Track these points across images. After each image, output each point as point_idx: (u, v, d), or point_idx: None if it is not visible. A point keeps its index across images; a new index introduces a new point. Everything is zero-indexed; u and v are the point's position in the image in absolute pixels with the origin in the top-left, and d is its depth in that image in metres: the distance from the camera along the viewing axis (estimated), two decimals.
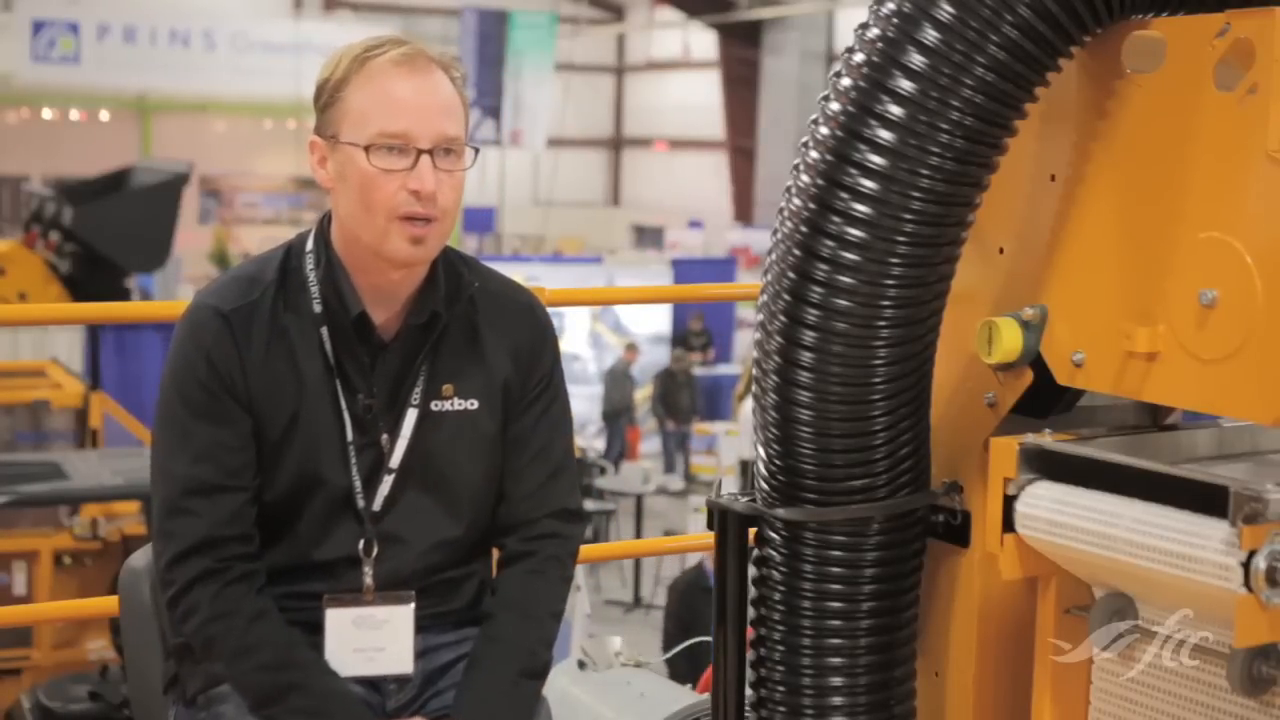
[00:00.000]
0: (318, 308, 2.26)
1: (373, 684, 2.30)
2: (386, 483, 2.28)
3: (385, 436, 2.28)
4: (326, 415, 2.25)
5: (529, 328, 2.39)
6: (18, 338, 12.20)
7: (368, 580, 2.27)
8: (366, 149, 2.18)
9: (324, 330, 2.26)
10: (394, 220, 2.19)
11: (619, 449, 17.11)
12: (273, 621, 2.22)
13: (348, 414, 2.26)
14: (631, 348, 18.60)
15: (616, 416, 17.58)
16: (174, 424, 2.24)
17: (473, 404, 2.32)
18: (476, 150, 2.28)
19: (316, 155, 2.26)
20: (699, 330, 20.13)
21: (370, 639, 2.25)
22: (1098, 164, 2.07)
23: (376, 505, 2.28)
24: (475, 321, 2.34)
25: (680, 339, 19.76)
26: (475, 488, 2.34)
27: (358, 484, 2.26)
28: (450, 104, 2.24)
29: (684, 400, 17.64)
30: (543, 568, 2.36)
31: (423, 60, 2.22)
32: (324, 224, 2.32)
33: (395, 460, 2.28)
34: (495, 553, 2.46)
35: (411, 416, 2.28)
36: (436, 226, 2.22)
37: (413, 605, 2.27)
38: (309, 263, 2.29)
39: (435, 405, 2.30)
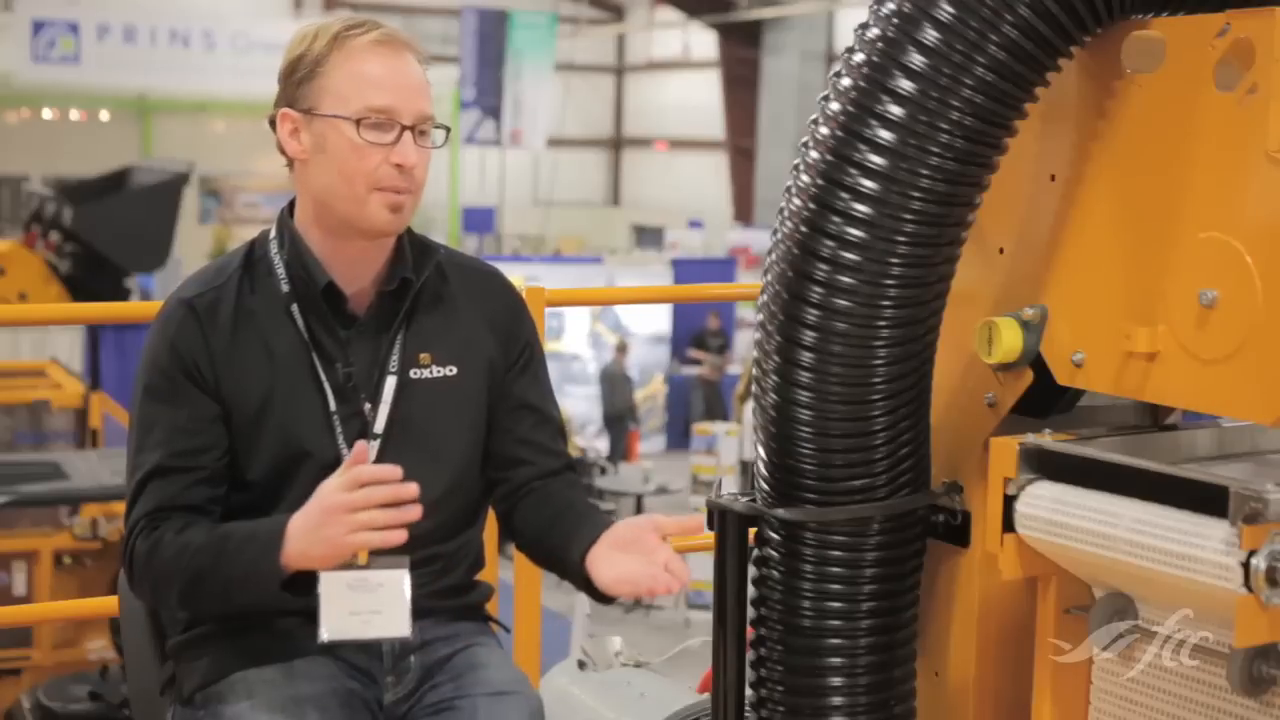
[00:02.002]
0: (285, 287, 2.31)
1: (370, 675, 2.30)
2: (372, 449, 2.30)
3: (368, 405, 2.31)
4: (306, 389, 2.29)
5: (501, 296, 2.46)
6: (18, 338, 12.21)
7: None
8: (357, 122, 2.23)
9: (294, 307, 2.30)
10: (373, 190, 2.25)
11: (622, 453, 16.85)
12: (200, 524, 2.23)
13: (328, 385, 2.29)
14: (622, 347, 18.23)
15: (619, 420, 17.24)
16: (138, 417, 2.30)
17: (451, 370, 2.36)
18: (448, 130, 2.35)
19: (288, 127, 2.30)
20: (716, 330, 19.68)
21: (366, 602, 2.25)
22: (1098, 164, 2.07)
23: None
24: (447, 291, 2.40)
25: (697, 340, 19.42)
26: (460, 453, 2.37)
27: (345, 451, 2.28)
28: (425, 84, 2.32)
29: (720, 408, 17.31)
30: (576, 486, 2.44)
31: (399, 41, 2.30)
32: (286, 211, 2.37)
33: (379, 427, 2.31)
34: (488, 530, 2.50)
35: (391, 384, 2.32)
36: (410, 198, 2.29)
37: (407, 570, 2.28)
38: (273, 248, 2.34)
39: (414, 373, 2.34)
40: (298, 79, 2.28)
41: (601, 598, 2.19)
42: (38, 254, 9.50)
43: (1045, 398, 2.19)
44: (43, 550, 7.12)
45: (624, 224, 31.65)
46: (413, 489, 2.12)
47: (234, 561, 2.18)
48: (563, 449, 2.46)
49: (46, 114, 25.35)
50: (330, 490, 2.13)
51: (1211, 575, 1.80)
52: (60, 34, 21.46)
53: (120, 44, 21.85)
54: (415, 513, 2.11)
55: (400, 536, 2.11)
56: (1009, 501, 2.05)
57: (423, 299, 2.36)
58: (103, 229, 9.38)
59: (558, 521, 2.34)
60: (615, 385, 17.46)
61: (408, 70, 2.28)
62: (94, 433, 8.48)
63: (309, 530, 2.13)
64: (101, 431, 8.50)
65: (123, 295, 9.54)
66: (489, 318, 2.41)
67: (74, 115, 25.43)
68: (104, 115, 25.58)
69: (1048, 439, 2.06)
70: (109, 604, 3.46)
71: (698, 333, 19.60)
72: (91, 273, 9.31)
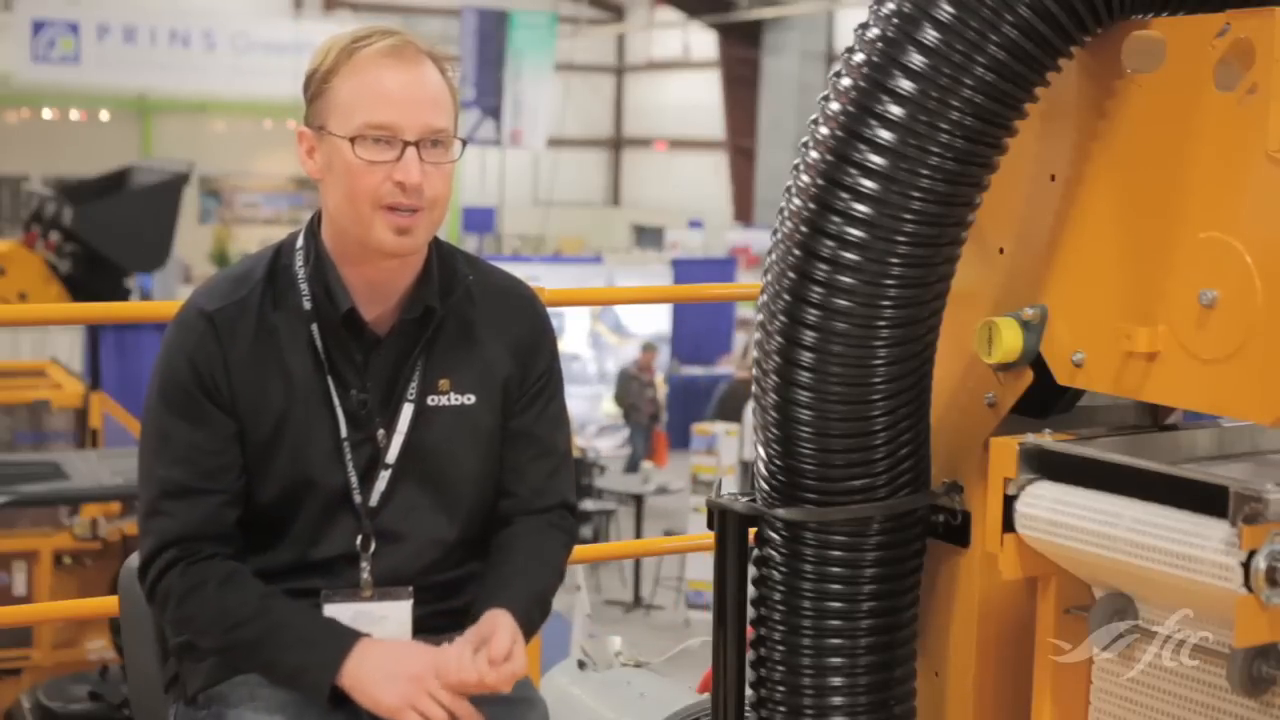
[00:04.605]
0: (307, 305, 2.26)
1: None
2: (383, 478, 2.28)
3: (381, 432, 2.27)
4: (318, 413, 2.25)
5: (528, 322, 2.40)
6: (18, 338, 12.21)
7: (365, 576, 2.27)
8: (352, 140, 2.18)
9: (314, 327, 2.26)
10: (379, 210, 2.19)
11: (644, 454, 16.38)
12: (243, 579, 2.22)
13: (341, 410, 2.26)
14: (650, 347, 17.37)
15: (640, 425, 16.70)
16: (154, 425, 2.26)
17: (469, 399, 2.32)
18: (465, 142, 2.28)
19: (305, 146, 2.27)
20: None
21: (369, 632, 2.25)
22: (1098, 164, 2.07)
23: (373, 501, 2.28)
24: (472, 316, 2.34)
25: None
26: (472, 483, 2.33)
27: (354, 480, 2.26)
28: (438, 96, 2.23)
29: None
30: (549, 528, 2.38)
31: (411, 51, 2.22)
32: (314, 221, 2.32)
33: (391, 456, 2.28)
34: None
35: (408, 411, 2.28)
36: (424, 216, 2.22)
37: (410, 602, 2.27)
38: (298, 260, 2.29)
39: (431, 400, 2.30)
40: (311, 95, 2.24)
41: None
42: (38, 254, 9.50)
43: (1045, 398, 2.19)
44: (43, 550, 7.12)
45: (624, 224, 31.67)
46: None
47: (283, 652, 2.19)
48: (558, 487, 2.39)
49: (46, 114, 25.37)
50: (429, 666, 2.16)
51: (1211, 575, 1.79)
52: (60, 34, 21.48)
53: (120, 44, 21.88)
54: None
55: None
56: (1009, 501, 2.05)
57: (446, 324, 2.31)
58: (103, 229, 9.37)
59: (489, 571, 2.32)
60: (624, 383, 17.03)
61: (416, 82, 2.20)
62: (94, 433, 8.47)
63: (388, 677, 2.14)
64: (101, 431, 8.49)
65: (122, 295, 9.53)
66: (511, 341, 2.36)
67: (74, 115, 25.45)
68: (104, 115, 25.60)
69: (1048, 439, 2.06)
70: (109, 604, 3.46)
71: None
72: (91, 273, 9.31)
